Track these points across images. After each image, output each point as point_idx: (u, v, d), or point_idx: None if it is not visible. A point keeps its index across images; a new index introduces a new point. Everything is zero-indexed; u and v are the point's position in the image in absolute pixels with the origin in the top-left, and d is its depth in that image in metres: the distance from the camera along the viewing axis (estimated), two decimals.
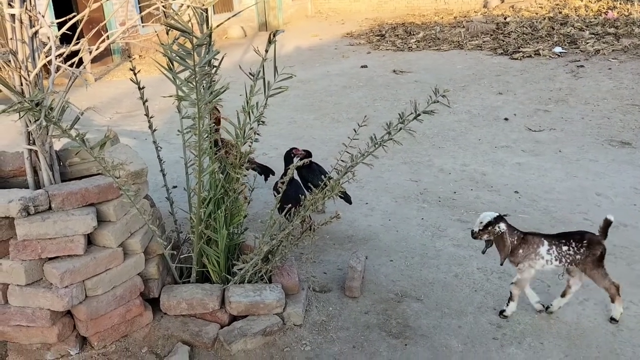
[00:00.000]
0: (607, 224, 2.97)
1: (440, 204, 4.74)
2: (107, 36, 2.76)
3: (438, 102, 2.71)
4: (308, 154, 4.21)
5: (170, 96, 2.59)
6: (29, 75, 2.58)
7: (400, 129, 2.84)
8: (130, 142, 6.33)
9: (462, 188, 5.05)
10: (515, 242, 2.99)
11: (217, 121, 3.73)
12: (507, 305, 3.11)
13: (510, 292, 3.09)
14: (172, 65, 2.56)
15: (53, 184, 2.75)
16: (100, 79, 10.85)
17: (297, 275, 3.21)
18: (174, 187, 4.95)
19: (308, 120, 7.55)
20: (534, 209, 4.54)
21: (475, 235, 3.02)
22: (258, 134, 3.23)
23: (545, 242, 3.00)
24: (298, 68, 10.75)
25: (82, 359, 2.73)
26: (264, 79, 2.94)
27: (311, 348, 2.90)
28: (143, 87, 3.15)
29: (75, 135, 2.33)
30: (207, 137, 2.96)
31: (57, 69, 2.63)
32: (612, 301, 3.05)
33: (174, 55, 2.30)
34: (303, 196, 3.10)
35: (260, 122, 3.15)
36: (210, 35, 2.62)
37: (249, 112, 3.02)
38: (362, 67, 10.53)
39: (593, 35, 11.02)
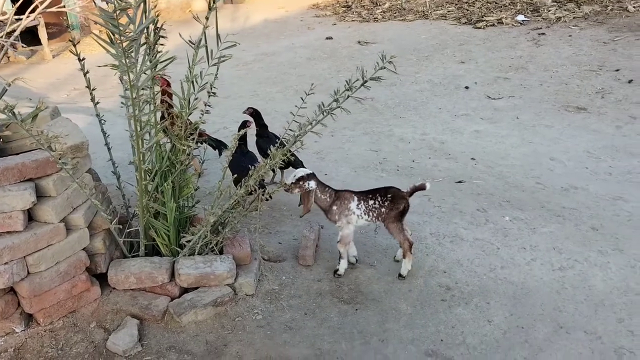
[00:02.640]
0: (419, 188, 3.08)
1: (398, 172, 4.77)
2: (38, 4, 2.66)
3: (385, 68, 2.70)
4: (256, 112, 4.19)
5: (105, 65, 2.51)
6: None
7: (348, 96, 2.82)
8: (87, 118, 6.18)
9: (421, 157, 5.08)
10: (328, 199, 3.12)
11: (163, 93, 3.64)
12: (339, 264, 3.23)
13: (339, 251, 3.21)
14: (113, 36, 2.48)
15: None
16: (58, 55, 10.52)
17: (250, 245, 3.21)
18: (130, 162, 4.86)
19: (271, 93, 7.48)
20: (488, 174, 4.61)
21: (287, 189, 3.12)
22: (209, 106, 3.17)
23: (355, 198, 3.13)
24: (263, 41, 10.60)
25: (29, 336, 2.69)
26: (206, 47, 2.87)
27: (263, 317, 2.91)
28: (84, 59, 3.05)
29: (4, 107, 2.25)
30: (153, 109, 2.90)
31: None
32: (403, 257, 3.18)
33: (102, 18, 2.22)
34: (252, 166, 3.08)
35: (212, 94, 3.09)
36: (144, 1, 2.53)
37: (192, 82, 2.95)
38: (327, 38, 10.42)
39: (555, 3, 11.07)
